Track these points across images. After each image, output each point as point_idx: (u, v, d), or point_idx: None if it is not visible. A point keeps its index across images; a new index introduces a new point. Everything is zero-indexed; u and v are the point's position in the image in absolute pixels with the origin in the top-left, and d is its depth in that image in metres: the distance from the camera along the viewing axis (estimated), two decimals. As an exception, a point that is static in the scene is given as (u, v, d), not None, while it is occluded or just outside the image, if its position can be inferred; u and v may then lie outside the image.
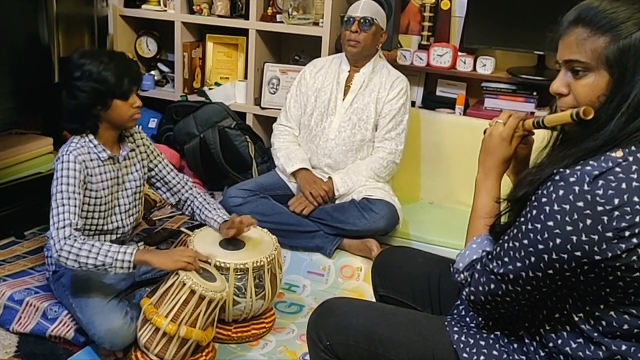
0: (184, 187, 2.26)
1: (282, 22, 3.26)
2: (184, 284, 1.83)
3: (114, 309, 1.90)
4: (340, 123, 2.76)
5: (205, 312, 1.85)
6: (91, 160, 1.97)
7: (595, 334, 1.15)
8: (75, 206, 1.88)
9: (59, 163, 1.92)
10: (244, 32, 3.39)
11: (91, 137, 1.99)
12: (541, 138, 1.30)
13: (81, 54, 1.96)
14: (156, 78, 3.71)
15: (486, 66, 3.08)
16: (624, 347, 1.14)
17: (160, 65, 3.74)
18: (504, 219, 1.32)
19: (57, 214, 1.86)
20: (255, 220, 2.20)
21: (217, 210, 2.24)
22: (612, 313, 1.13)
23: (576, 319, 1.17)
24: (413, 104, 3.24)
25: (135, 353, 1.92)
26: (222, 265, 2.03)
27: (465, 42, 3.12)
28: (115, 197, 2.07)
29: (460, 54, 3.14)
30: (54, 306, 2.08)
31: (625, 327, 1.12)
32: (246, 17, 3.33)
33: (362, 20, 2.66)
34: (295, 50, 3.51)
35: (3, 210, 2.58)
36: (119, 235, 2.11)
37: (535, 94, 3.00)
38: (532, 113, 2.97)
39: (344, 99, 2.78)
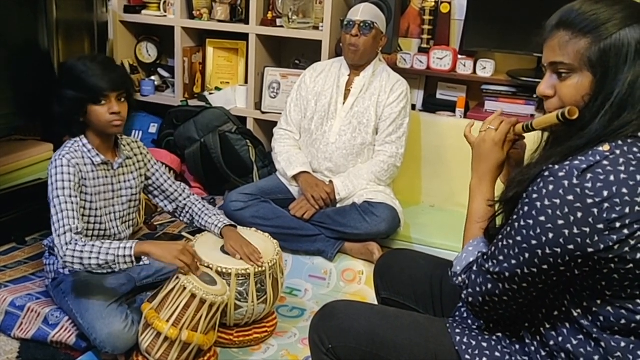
0: (181, 195, 2.26)
1: (281, 26, 3.26)
2: (185, 288, 1.82)
3: (114, 313, 1.90)
4: (340, 127, 2.76)
5: (206, 316, 1.84)
6: (85, 165, 1.97)
7: (594, 330, 1.16)
8: (74, 210, 1.88)
9: (53, 167, 1.92)
10: (244, 37, 3.40)
11: (85, 141, 1.99)
12: (532, 140, 1.31)
13: (72, 60, 1.98)
14: (156, 83, 3.71)
15: (486, 69, 3.08)
16: (622, 344, 1.14)
17: (160, 70, 3.75)
18: (497, 221, 1.33)
19: (56, 220, 1.87)
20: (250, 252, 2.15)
21: (217, 215, 2.24)
22: (609, 308, 1.14)
23: (575, 314, 1.17)
24: (413, 107, 3.25)
25: (136, 358, 1.92)
26: (224, 270, 2.03)
27: (464, 45, 3.13)
28: (109, 203, 2.07)
29: (460, 56, 3.14)
30: (55, 311, 2.07)
31: (623, 321, 1.13)
32: (246, 21, 3.34)
33: (362, 24, 2.67)
34: (295, 54, 3.52)
35: (3, 215, 2.58)
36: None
37: (534, 96, 2.99)
38: (532, 115, 2.97)
39: (344, 103, 2.78)
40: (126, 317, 1.91)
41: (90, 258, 1.81)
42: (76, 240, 1.84)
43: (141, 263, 2.15)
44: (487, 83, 3.10)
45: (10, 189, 2.64)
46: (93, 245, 1.83)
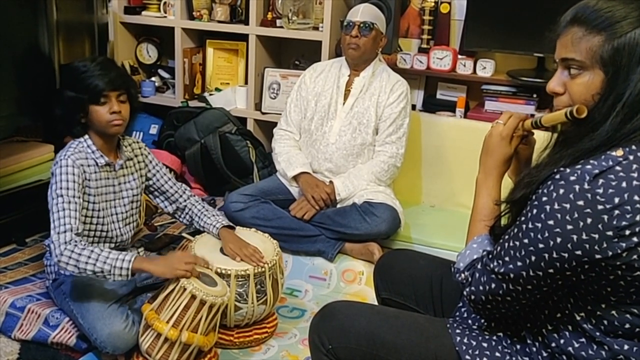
0: (181, 196, 2.25)
1: (281, 27, 3.26)
2: (185, 289, 1.82)
3: (114, 313, 1.90)
4: (340, 127, 2.75)
5: (206, 317, 1.84)
6: (88, 166, 1.97)
7: (597, 333, 1.15)
8: (76, 210, 1.88)
9: (57, 167, 1.92)
10: (244, 37, 3.40)
11: (89, 142, 1.99)
12: (541, 139, 1.30)
13: (73, 62, 2.01)
14: (156, 84, 3.71)
15: (486, 69, 3.08)
16: (625, 347, 1.13)
17: (161, 71, 3.75)
18: (503, 221, 1.32)
19: (57, 218, 1.86)
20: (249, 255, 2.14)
21: (215, 216, 2.24)
22: (613, 312, 1.12)
23: (578, 318, 1.16)
24: (413, 107, 3.25)
25: (137, 359, 1.92)
26: (223, 271, 2.03)
27: (464, 45, 3.12)
28: (111, 204, 2.07)
29: (460, 56, 3.14)
30: (56, 312, 2.07)
31: (627, 326, 1.12)
32: (246, 22, 3.34)
33: (361, 25, 2.66)
34: (295, 55, 3.52)
35: (4, 217, 2.58)
36: (117, 243, 2.11)
37: (535, 95, 3.00)
38: (532, 115, 2.97)
39: (344, 103, 2.78)
40: (127, 317, 1.92)
41: (87, 263, 1.80)
42: (76, 241, 1.83)
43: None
44: (487, 83, 3.10)
45: (11, 190, 2.64)
46: (92, 251, 1.82)
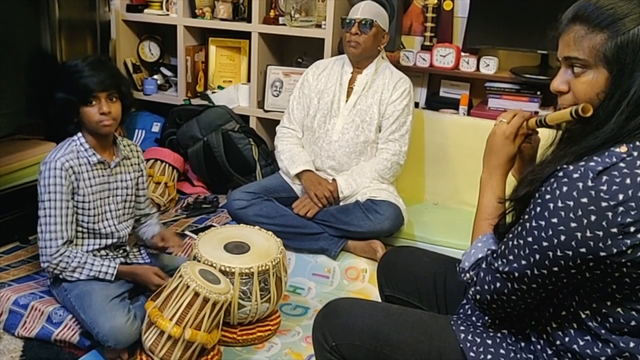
0: (143, 210, 2.29)
1: (284, 25, 3.26)
2: (188, 286, 1.82)
3: (116, 307, 1.92)
4: (343, 125, 2.75)
5: (209, 314, 1.84)
6: (80, 165, 1.98)
7: (603, 331, 1.14)
8: (61, 215, 1.95)
9: (45, 170, 1.95)
10: (247, 35, 3.39)
11: (82, 140, 2.00)
12: (546, 136, 1.30)
13: (66, 61, 2.07)
14: (159, 82, 3.71)
15: (489, 66, 3.07)
16: (631, 344, 1.13)
17: (163, 69, 3.75)
18: (508, 219, 1.31)
19: (43, 223, 1.94)
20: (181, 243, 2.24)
21: (155, 225, 2.30)
22: (619, 309, 1.12)
23: (583, 316, 1.16)
24: (416, 105, 3.24)
25: (140, 356, 1.92)
26: (227, 269, 2.03)
27: (468, 42, 3.12)
28: (105, 202, 2.08)
29: (463, 54, 3.13)
30: (59, 310, 2.07)
31: (633, 323, 1.11)
32: (248, 19, 3.33)
33: (362, 22, 2.66)
34: (297, 53, 3.51)
35: (7, 215, 2.58)
36: (114, 240, 2.11)
37: (538, 93, 2.99)
38: (536, 112, 2.96)
39: (346, 101, 2.77)
40: (128, 311, 1.93)
41: (73, 272, 1.98)
42: (61, 252, 1.94)
43: (142, 261, 2.18)
44: (490, 80, 3.09)
45: (13, 188, 2.64)
46: (78, 263, 1.96)
